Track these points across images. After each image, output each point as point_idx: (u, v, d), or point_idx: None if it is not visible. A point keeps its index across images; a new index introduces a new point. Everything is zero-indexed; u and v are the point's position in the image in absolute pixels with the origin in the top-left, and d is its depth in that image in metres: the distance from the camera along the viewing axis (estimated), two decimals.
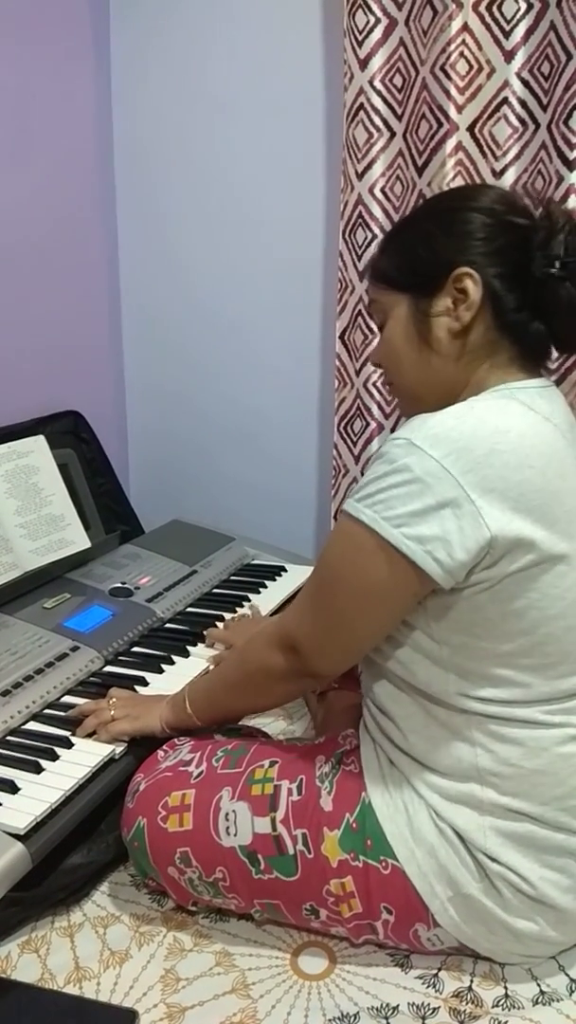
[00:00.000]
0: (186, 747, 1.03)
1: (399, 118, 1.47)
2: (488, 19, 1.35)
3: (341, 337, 1.61)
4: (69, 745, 1.04)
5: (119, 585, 1.43)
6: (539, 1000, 0.89)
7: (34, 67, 1.56)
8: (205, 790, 0.96)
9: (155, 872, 0.98)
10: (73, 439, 1.63)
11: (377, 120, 1.47)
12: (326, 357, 1.73)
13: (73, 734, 1.06)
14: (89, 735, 1.06)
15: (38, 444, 1.45)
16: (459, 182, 1.43)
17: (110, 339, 1.91)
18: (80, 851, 1.01)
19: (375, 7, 1.40)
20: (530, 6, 1.32)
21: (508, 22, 1.34)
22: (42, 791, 0.95)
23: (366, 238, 1.54)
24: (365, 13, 1.41)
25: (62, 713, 1.11)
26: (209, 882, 0.95)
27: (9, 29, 1.49)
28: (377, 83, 1.45)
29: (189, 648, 1.28)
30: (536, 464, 0.81)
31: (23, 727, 1.09)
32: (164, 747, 1.04)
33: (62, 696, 1.15)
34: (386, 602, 0.85)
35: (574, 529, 0.84)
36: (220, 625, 1.35)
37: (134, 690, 1.16)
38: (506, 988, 0.90)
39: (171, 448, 1.97)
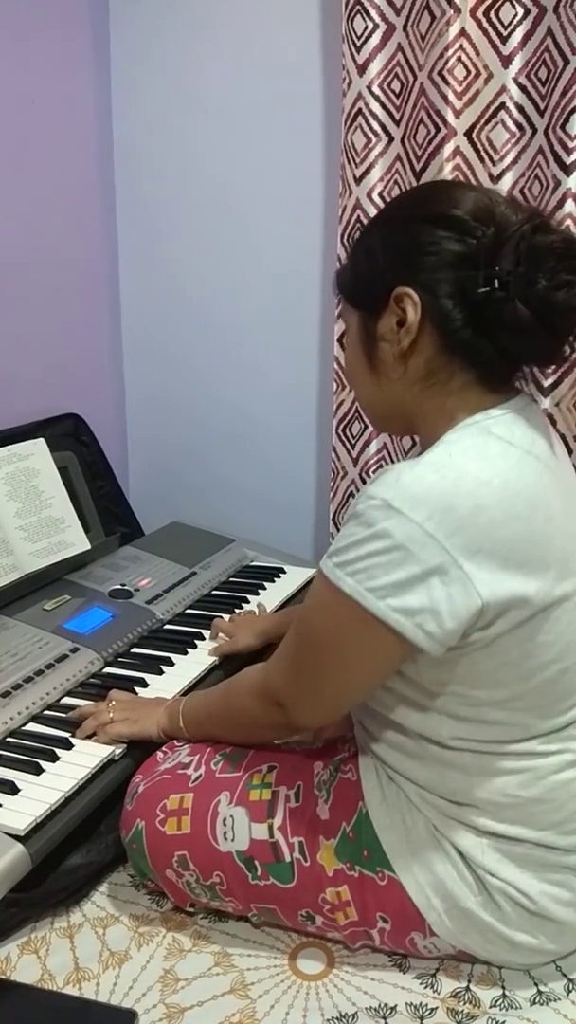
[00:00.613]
0: (185, 749, 1.03)
1: (397, 123, 1.48)
2: (486, 24, 1.36)
3: (339, 340, 1.62)
4: (69, 746, 1.05)
5: (119, 587, 1.44)
6: (536, 1000, 0.89)
7: (34, 73, 1.57)
8: (203, 794, 0.96)
9: (153, 874, 0.98)
10: (73, 442, 1.64)
11: (375, 125, 1.47)
12: (324, 360, 1.74)
13: (73, 735, 1.07)
14: (88, 737, 1.06)
15: (38, 447, 1.46)
16: None
17: (110, 345, 1.91)
18: (80, 852, 1.02)
19: (373, 12, 1.41)
20: (527, 11, 1.33)
21: (506, 27, 1.35)
22: (42, 792, 0.96)
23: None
24: (363, 18, 1.42)
25: (62, 714, 1.11)
26: (206, 886, 0.95)
27: (8, 34, 1.50)
28: (375, 88, 1.45)
29: (189, 649, 1.29)
30: (523, 513, 0.76)
31: (23, 728, 1.09)
32: (163, 749, 1.05)
33: (62, 697, 1.16)
34: (371, 667, 0.82)
35: (565, 569, 0.80)
36: (227, 618, 1.36)
37: (134, 691, 1.16)
38: (504, 989, 0.90)
39: (171, 453, 1.98)
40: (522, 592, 0.76)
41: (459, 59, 1.37)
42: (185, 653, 1.28)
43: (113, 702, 1.09)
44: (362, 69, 1.45)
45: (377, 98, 1.46)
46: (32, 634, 1.26)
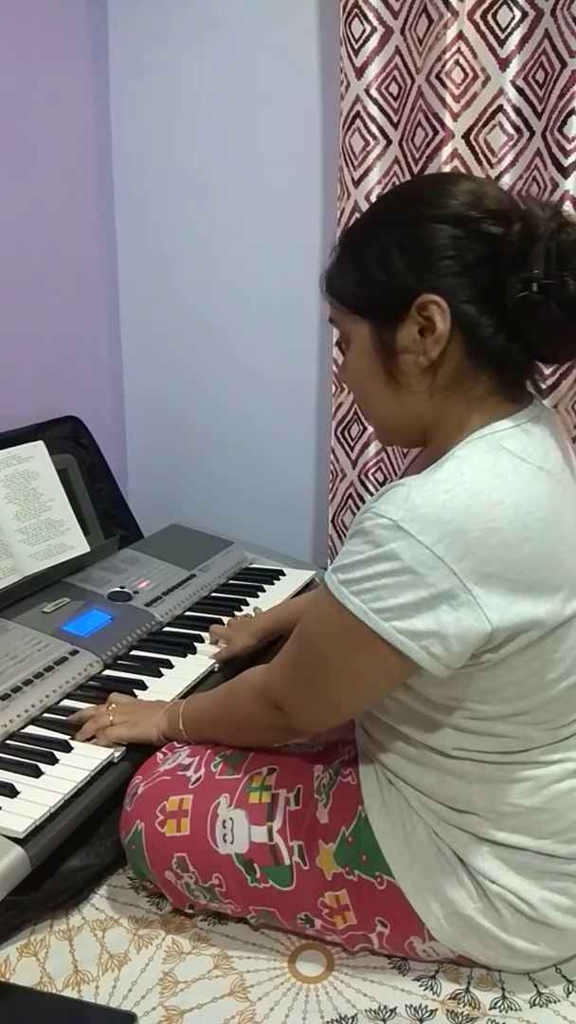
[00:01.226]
0: (185, 751, 1.03)
1: (395, 126, 1.48)
2: (483, 27, 1.36)
3: (338, 344, 1.62)
4: (68, 749, 1.05)
5: (118, 589, 1.44)
6: (536, 1002, 0.89)
7: (32, 76, 1.57)
8: (203, 796, 0.96)
9: (152, 875, 0.98)
10: (72, 444, 1.64)
11: (373, 128, 1.48)
12: (323, 363, 1.74)
13: (72, 738, 1.06)
14: (88, 739, 1.06)
15: (37, 449, 1.46)
16: None
17: (109, 347, 1.92)
18: (79, 854, 1.02)
19: (371, 16, 1.42)
20: (525, 14, 1.33)
21: (503, 30, 1.35)
22: (41, 795, 0.96)
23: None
24: (361, 22, 1.42)
25: (61, 717, 1.11)
26: (205, 887, 0.95)
27: (7, 37, 1.50)
28: (373, 91, 1.46)
29: (188, 652, 1.29)
30: (534, 535, 0.74)
31: (22, 731, 1.09)
32: (163, 750, 1.05)
33: (61, 700, 1.16)
34: (374, 684, 0.81)
35: (574, 585, 0.79)
36: (225, 622, 1.36)
37: (133, 694, 1.16)
38: (503, 990, 0.90)
39: (170, 456, 1.98)
40: (532, 615, 0.75)
41: (457, 62, 1.38)
42: (184, 656, 1.28)
43: (113, 705, 1.09)
44: (360, 72, 1.45)
45: (375, 101, 1.46)
46: (31, 636, 1.26)
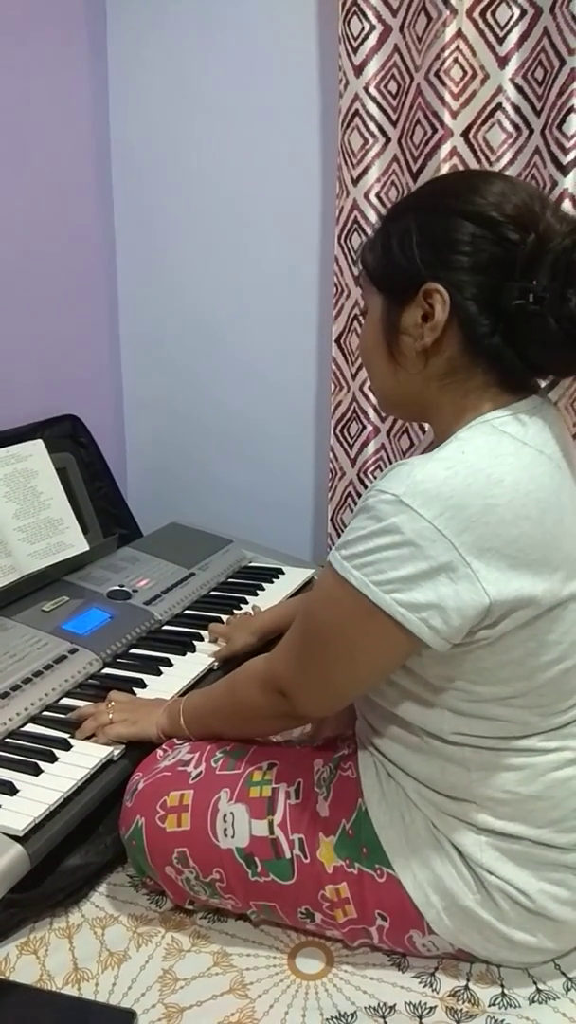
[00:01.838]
0: (185, 747, 1.03)
1: (394, 124, 1.48)
2: (482, 25, 1.36)
3: (337, 341, 1.62)
4: (68, 747, 1.05)
5: (117, 588, 1.44)
6: (535, 999, 0.89)
7: (31, 73, 1.57)
8: (204, 791, 0.96)
9: (152, 871, 0.98)
10: (71, 443, 1.64)
11: (372, 126, 1.48)
12: (322, 361, 1.74)
13: (72, 736, 1.07)
14: (88, 738, 1.06)
15: (37, 448, 1.46)
16: None
17: (108, 346, 1.92)
18: (78, 852, 1.02)
19: (370, 14, 1.42)
20: (524, 12, 1.33)
21: (502, 28, 1.35)
22: (41, 793, 0.96)
23: (361, 243, 1.55)
24: (360, 20, 1.42)
25: (61, 715, 1.11)
26: (206, 882, 0.95)
27: (6, 35, 1.50)
28: (372, 89, 1.46)
29: (187, 650, 1.29)
30: (533, 513, 0.76)
31: (22, 729, 1.09)
32: (163, 746, 1.05)
33: (61, 698, 1.16)
34: (377, 661, 0.82)
35: (574, 569, 0.80)
36: (225, 620, 1.36)
37: (132, 692, 1.16)
38: (503, 987, 0.91)
39: (169, 454, 1.98)
40: (529, 592, 0.76)
41: (456, 60, 1.38)
42: (183, 654, 1.28)
43: (112, 703, 1.09)
44: (359, 70, 1.45)
45: (374, 99, 1.46)
46: (31, 635, 1.26)
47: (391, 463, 1.65)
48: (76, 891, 1.02)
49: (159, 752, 1.04)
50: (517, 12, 1.33)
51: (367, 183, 1.51)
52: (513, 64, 1.36)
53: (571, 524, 0.80)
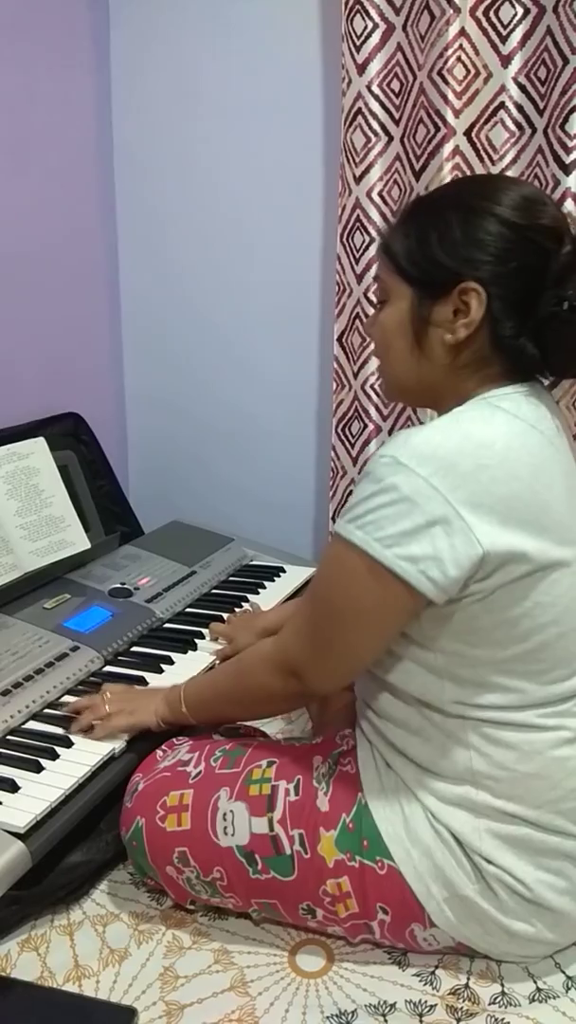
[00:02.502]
0: (184, 747, 1.04)
1: (397, 122, 1.48)
2: (485, 24, 1.36)
3: (339, 340, 1.62)
4: (69, 744, 1.05)
5: (119, 586, 1.44)
6: (536, 997, 0.89)
7: (34, 73, 1.57)
8: (203, 790, 0.97)
9: (153, 871, 0.98)
10: (73, 441, 1.64)
11: (375, 124, 1.48)
12: (324, 360, 1.74)
13: (67, 731, 1.07)
14: (85, 731, 1.06)
15: (38, 446, 1.46)
16: None
17: (110, 344, 1.92)
18: (79, 850, 1.02)
19: (373, 12, 1.42)
20: (527, 11, 1.33)
21: (505, 27, 1.35)
22: (42, 790, 0.96)
23: (364, 242, 1.55)
24: (363, 18, 1.42)
25: (62, 713, 1.12)
26: (207, 881, 0.96)
27: (9, 35, 1.50)
28: (375, 88, 1.46)
29: (188, 648, 1.29)
30: (523, 476, 0.80)
31: (23, 726, 1.09)
32: (163, 747, 1.05)
33: (62, 696, 1.16)
34: (383, 621, 0.84)
35: (565, 536, 0.83)
36: (226, 618, 1.36)
37: None
38: (503, 985, 0.91)
39: (170, 452, 1.98)
40: (520, 547, 0.80)
41: (459, 58, 1.37)
42: (185, 652, 1.28)
43: (108, 694, 1.09)
44: (362, 68, 1.45)
45: (377, 97, 1.46)
46: (32, 632, 1.26)
47: None
48: (77, 888, 1.03)
49: (159, 752, 1.04)
50: (520, 11, 1.33)
51: (369, 182, 1.50)
52: (516, 63, 1.36)
53: (561, 495, 0.84)
